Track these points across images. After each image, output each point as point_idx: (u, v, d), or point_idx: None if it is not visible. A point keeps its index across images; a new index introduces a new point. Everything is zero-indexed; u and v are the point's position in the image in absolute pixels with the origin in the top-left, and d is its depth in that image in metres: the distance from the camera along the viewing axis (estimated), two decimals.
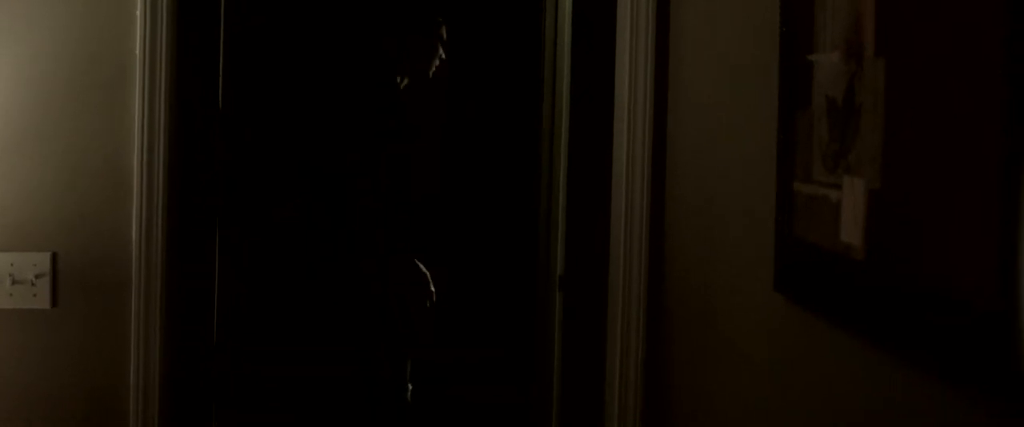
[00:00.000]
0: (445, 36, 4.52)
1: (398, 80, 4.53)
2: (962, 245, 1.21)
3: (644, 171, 2.77)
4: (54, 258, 3.09)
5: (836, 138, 1.58)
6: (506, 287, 5.95)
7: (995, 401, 1.15)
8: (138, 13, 3.05)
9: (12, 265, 3.07)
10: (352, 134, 4.89)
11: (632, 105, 2.80)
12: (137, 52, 3.06)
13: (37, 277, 3.07)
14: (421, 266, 4.42)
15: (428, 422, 4.75)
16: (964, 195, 1.21)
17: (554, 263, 5.19)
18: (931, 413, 1.31)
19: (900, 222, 1.37)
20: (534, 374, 5.45)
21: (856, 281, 1.50)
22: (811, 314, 1.72)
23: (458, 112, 6.10)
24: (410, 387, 4.62)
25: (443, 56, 4.54)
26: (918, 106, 1.32)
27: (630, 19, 2.80)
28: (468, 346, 6.03)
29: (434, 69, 4.54)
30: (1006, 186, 1.11)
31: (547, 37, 5.39)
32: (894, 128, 1.39)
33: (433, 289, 4.46)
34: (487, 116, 6.10)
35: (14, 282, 3.07)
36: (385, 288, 4.26)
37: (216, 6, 3.64)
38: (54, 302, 3.11)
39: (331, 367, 5.02)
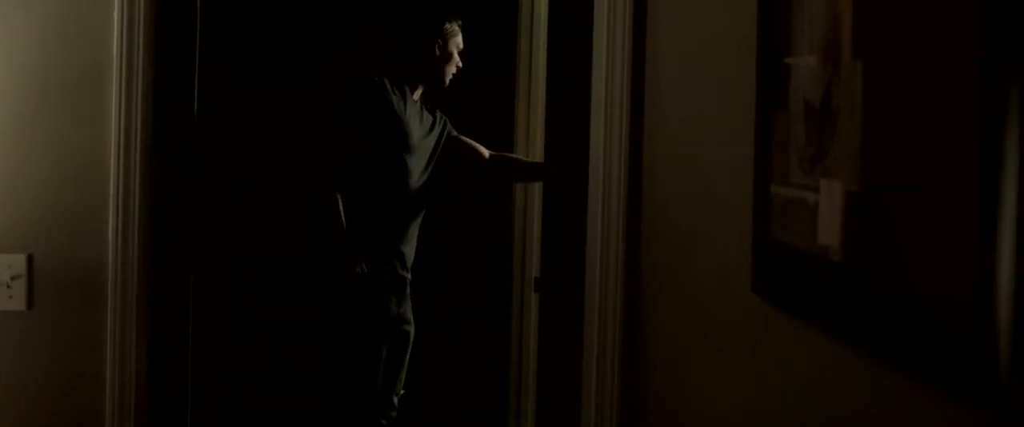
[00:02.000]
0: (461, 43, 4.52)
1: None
2: (939, 247, 1.22)
3: (620, 173, 2.78)
4: (30, 260, 3.08)
5: (813, 141, 1.59)
6: (482, 288, 5.95)
7: (972, 403, 1.16)
8: (115, 16, 3.05)
9: None
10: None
11: (608, 107, 2.80)
12: (114, 54, 3.05)
13: (13, 279, 3.06)
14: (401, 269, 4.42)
15: (408, 421, 4.75)
16: (941, 197, 1.22)
17: (529, 266, 5.20)
18: (909, 416, 1.32)
19: (877, 224, 1.38)
20: (509, 375, 5.46)
21: (833, 283, 1.51)
22: (789, 316, 1.73)
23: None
24: (403, 392, 4.62)
25: (461, 64, 4.55)
26: (895, 109, 1.33)
27: (607, 21, 2.80)
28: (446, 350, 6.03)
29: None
30: (983, 188, 1.12)
31: (522, 41, 5.41)
32: (871, 131, 1.39)
33: (408, 275, 4.46)
34: (461, 119, 6.10)
35: None
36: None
37: (193, 8, 3.63)
38: (30, 304, 3.10)
39: (309, 365, 5.00)
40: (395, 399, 4.53)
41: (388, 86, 4.33)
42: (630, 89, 2.75)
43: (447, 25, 4.47)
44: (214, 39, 5.52)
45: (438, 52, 4.44)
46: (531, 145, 5.30)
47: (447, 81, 4.54)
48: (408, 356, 4.56)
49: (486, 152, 4.76)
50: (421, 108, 4.51)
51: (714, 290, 2.16)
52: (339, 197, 4.23)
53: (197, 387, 5.26)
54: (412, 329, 4.55)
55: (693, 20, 2.37)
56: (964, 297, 1.15)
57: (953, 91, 1.19)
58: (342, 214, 4.22)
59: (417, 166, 4.41)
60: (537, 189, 4.93)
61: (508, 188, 5.53)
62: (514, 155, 4.91)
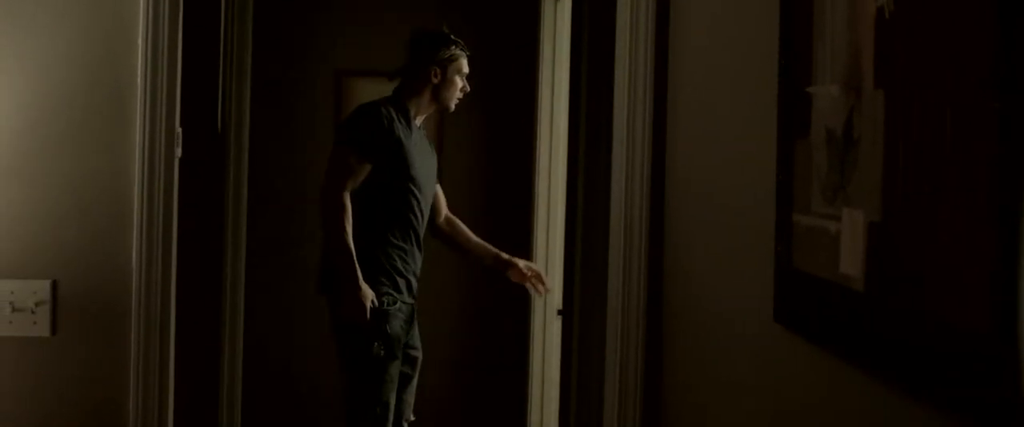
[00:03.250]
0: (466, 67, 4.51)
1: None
2: (961, 275, 1.22)
3: (643, 202, 2.78)
4: (54, 286, 3.10)
5: (835, 169, 1.59)
6: (505, 316, 5.95)
7: None
8: (139, 41, 3.07)
9: (12, 293, 3.08)
10: None
11: (630, 137, 2.81)
12: (138, 79, 3.07)
13: (37, 305, 3.08)
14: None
15: None
16: (962, 227, 1.21)
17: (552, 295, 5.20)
18: None
19: (899, 254, 1.38)
20: (529, 401, 5.45)
21: (856, 312, 1.51)
22: (811, 345, 1.72)
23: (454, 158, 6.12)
24: (413, 419, 4.61)
25: (467, 89, 4.55)
26: (917, 138, 1.33)
27: (628, 51, 2.81)
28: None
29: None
30: (1003, 215, 1.12)
31: (542, 77, 5.43)
32: (893, 160, 1.40)
33: (414, 302, 4.46)
34: (484, 159, 6.12)
35: (14, 310, 3.08)
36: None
37: (216, 32, 3.66)
38: (54, 330, 3.11)
39: (334, 388, 5.00)
40: (405, 425, 4.53)
41: (393, 114, 4.34)
42: (652, 118, 2.76)
43: (445, 51, 4.46)
44: (240, 65, 5.57)
45: (436, 79, 4.44)
46: (553, 174, 5.31)
47: (452, 106, 4.54)
48: (416, 381, 4.56)
49: (445, 208, 4.78)
50: (423, 136, 4.53)
51: (736, 319, 2.16)
52: (347, 225, 4.23)
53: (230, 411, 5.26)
54: (420, 354, 4.55)
55: (715, 48, 2.37)
56: (986, 324, 1.15)
57: (974, 119, 1.19)
58: (351, 243, 4.22)
59: (420, 193, 4.42)
60: (560, 222, 4.93)
61: (529, 221, 5.54)
62: (463, 226, 4.86)
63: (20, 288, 3.08)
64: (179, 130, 3.16)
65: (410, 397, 4.55)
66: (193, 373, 4.45)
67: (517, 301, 5.77)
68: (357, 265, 4.19)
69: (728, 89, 2.26)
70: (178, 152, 3.16)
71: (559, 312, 4.59)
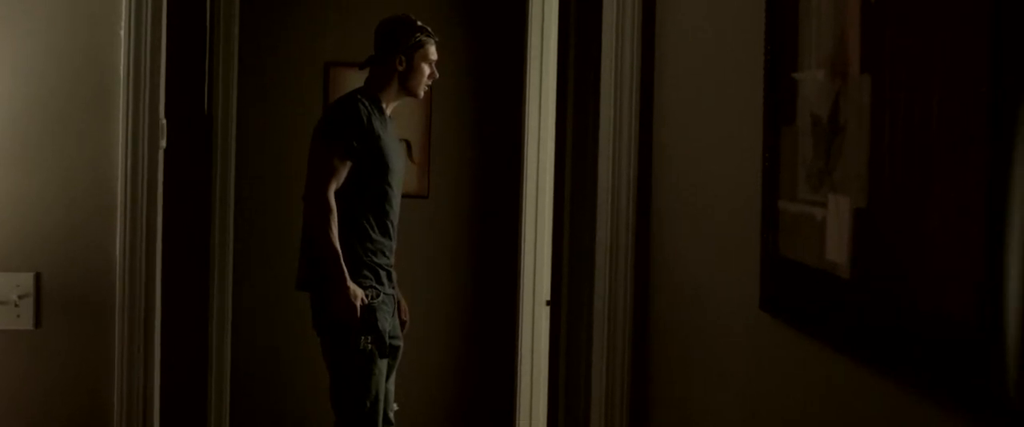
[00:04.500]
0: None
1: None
2: (947, 264, 1.21)
3: (629, 192, 2.76)
4: (38, 278, 3.08)
5: (821, 156, 1.58)
6: (493, 305, 5.95)
7: (981, 419, 1.15)
8: (122, 32, 3.05)
9: None
10: None
11: (617, 128, 2.79)
12: (120, 70, 3.05)
13: (20, 297, 3.06)
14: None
15: None
16: (949, 213, 1.20)
17: (541, 285, 5.19)
18: None
19: (885, 241, 1.37)
20: (517, 390, 5.45)
21: (842, 300, 1.50)
22: (797, 333, 1.71)
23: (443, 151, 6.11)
24: (396, 408, 4.61)
25: (436, 75, 4.52)
26: (904, 124, 1.32)
27: (615, 42, 2.80)
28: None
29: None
30: (990, 203, 1.11)
31: (530, 69, 5.42)
32: (879, 146, 1.38)
33: (396, 291, 4.45)
34: (472, 152, 6.11)
35: None
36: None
37: (202, 22, 3.63)
38: (38, 323, 3.09)
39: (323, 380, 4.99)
40: (391, 415, 4.53)
41: (370, 108, 4.31)
42: (638, 109, 2.74)
43: (409, 38, 4.43)
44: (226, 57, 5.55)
45: (401, 66, 4.42)
46: (541, 165, 5.30)
47: (420, 93, 4.52)
48: (396, 370, 4.56)
49: None
50: (393, 126, 4.52)
51: (723, 307, 2.15)
52: (334, 226, 4.20)
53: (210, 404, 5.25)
54: (401, 343, 4.54)
55: (701, 36, 2.36)
56: (972, 313, 1.14)
57: (961, 105, 1.18)
58: (338, 243, 4.19)
59: (396, 182, 4.41)
60: (548, 213, 4.92)
61: (517, 212, 5.53)
62: None
63: (3, 281, 3.06)
64: (164, 121, 3.14)
65: (392, 386, 4.55)
66: (180, 366, 4.43)
67: (505, 292, 5.76)
68: (344, 265, 4.18)
69: (714, 76, 2.25)
70: (163, 143, 3.14)
71: (547, 303, 4.59)
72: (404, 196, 5.97)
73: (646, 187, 2.74)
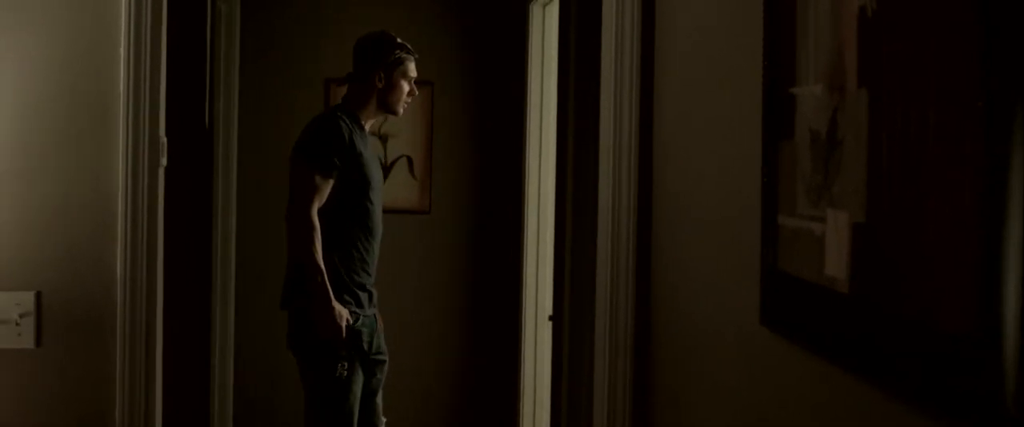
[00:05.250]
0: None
1: None
2: (945, 277, 1.21)
3: (630, 207, 2.76)
4: (38, 297, 3.07)
5: (819, 171, 1.58)
6: (497, 321, 5.94)
7: None
8: (121, 50, 3.05)
9: None
10: None
11: (617, 143, 2.79)
12: (120, 88, 3.05)
13: (21, 316, 3.06)
14: None
15: None
16: (947, 227, 1.20)
17: (543, 300, 5.19)
18: None
19: (884, 256, 1.37)
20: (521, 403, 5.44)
21: (841, 314, 1.50)
22: (797, 347, 1.71)
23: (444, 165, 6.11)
24: (385, 420, 4.60)
25: (415, 93, 4.50)
26: (901, 138, 1.32)
27: (614, 56, 2.80)
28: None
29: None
30: (987, 217, 1.11)
31: (531, 82, 5.42)
32: (877, 160, 1.38)
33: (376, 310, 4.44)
34: (473, 166, 6.11)
35: None
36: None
37: (203, 41, 3.64)
38: (38, 342, 3.09)
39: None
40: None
41: (350, 125, 4.30)
42: (638, 124, 2.75)
43: (389, 55, 4.42)
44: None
45: (380, 83, 4.40)
46: (543, 180, 5.30)
47: (399, 111, 4.50)
48: (382, 385, 4.54)
49: None
50: (371, 142, 4.50)
51: (723, 322, 2.15)
52: (317, 245, 4.18)
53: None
54: (386, 358, 4.52)
55: (700, 51, 2.36)
56: (970, 326, 1.14)
57: (958, 118, 1.18)
58: (322, 263, 4.17)
59: (377, 198, 4.39)
60: (549, 229, 4.92)
61: (519, 227, 5.53)
62: None
63: (4, 299, 3.06)
64: (164, 139, 3.14)
65: (380, 400, 4.53)
66: (182, 384, 4.42)
67: (508, 306, 5.76)
68: (329, 285, 4.16)
69: (713, 92, 2.25)
70: (163, 161, 3.15)
71: (550, 318, 4.58)
72: (405, 212, 6.01)
73: (646, 203, 2.74)
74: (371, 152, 4.43)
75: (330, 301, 4.14)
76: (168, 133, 3.19)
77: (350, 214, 4.29)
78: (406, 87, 4.43)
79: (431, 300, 6.09)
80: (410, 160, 6.03)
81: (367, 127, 4.44)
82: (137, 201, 3.06)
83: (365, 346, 4.29)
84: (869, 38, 1.43)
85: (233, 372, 5.76)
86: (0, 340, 3.06)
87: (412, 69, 4.44)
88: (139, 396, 3.10)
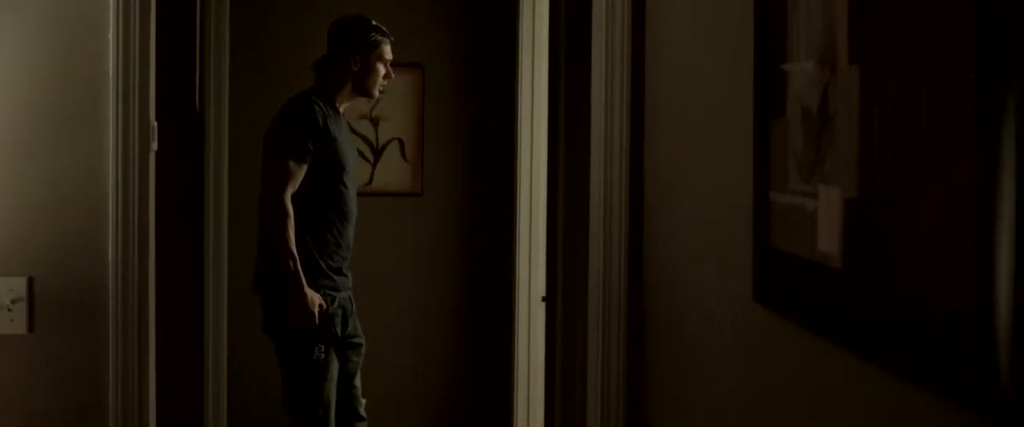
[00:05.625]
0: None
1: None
2: (938, 253, 1.20)
3: (622, 186, 2.76)
4: (30, 282, 3.07)
5: (811, 147, 1.58)
6: (489, 302, 5.94)
7: (973, 410, 1.14)
8: (110, 35, 3.04)
9: None
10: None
11: (608, 122, 2.79)
12: (110, 73, 3.05)
13: (13, 302, 3.05)
14: None
15: None
16: (940, 203, 1.20)
17: (536, 281, 5.19)
18: (911, 422, 1.30)
19: (877, 231, 1.37)
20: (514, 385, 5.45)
21: (834, 290, 1.50)
22: (790, 323, 1.71)
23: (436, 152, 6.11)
24: (365, 401, 4.61)
25: (392, 75, 4.48)
26: (893, 114, 1.32)
27: (605, 37, 2.79)
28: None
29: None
30: (981, 193, 1.10)
31: (523, 67, 5.41)
32: (869, 136, 1.38)
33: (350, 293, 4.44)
34: (466, 150, 6.10)
35: None
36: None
37: (192, 24, 3.63)
38: (31, 327, 3.08)
39: None
40: (361, 410, 4.52)
41: (324, 109, 4.28)
42: (629, 102, 2.74)
43: (364, 38, 4.40)
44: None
45: (355, 66, 4.38)
46: (535, 161, 5.30)
47: (375, 94, 4.48)
48: (360, 367, 4.55)
49: None
50: (346, 125, 4.49)
51: (716, 300, 2.15)
52: (291, 232, 4.17)
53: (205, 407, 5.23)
54: (363, 340, 4.52)
55: (691, 29, 2.36)
56: (964, 303, 1.14)
57: (950, 95, 1.17)
58: (295, 249, 4.16)
59: (351, 183, 4.38)
60: (542, 209, 4.92)
61: (511, 209, 5.53)
62: None
63: None
64: (155, 123, 3.14)
65: (359, 382, 4.54)
66: (176, 368, 4.42)
67: (501, 288, 5.76)
68: (301, 271, 4.15)
69: (705, 69, 2.25)
70: (154, 145, 3.14)
71: (543, 299, 4.58)
72: (397, 195, 6.01)
73: (638, 182, 2.74)
74: (345, 135, 4.41)
75: (302, 288, 4.13)
76: (158, 117, 3.19)
77: (324, 198, 4.28)
78: (382, 70, 4.41)
79: (424, 283, 6.09)
80: (402, 143, 6.03)
81: (342, 110, 4.43)
82: (128, 185, 3.05)
83: (338, 330, 4.29)
84: (860, 14, 1.43)
85: (227, 355, 5.76)
86: None
87: (388, 52, 4.43)
88: (132, 380, 3.10)
